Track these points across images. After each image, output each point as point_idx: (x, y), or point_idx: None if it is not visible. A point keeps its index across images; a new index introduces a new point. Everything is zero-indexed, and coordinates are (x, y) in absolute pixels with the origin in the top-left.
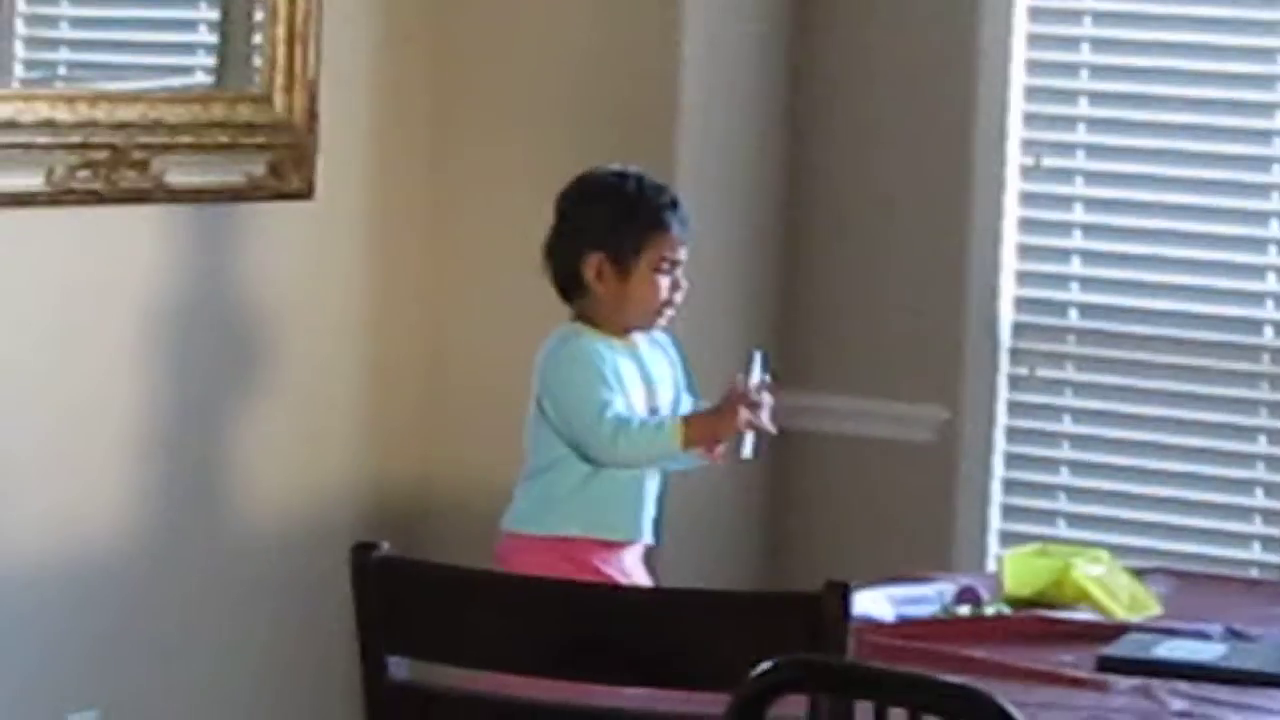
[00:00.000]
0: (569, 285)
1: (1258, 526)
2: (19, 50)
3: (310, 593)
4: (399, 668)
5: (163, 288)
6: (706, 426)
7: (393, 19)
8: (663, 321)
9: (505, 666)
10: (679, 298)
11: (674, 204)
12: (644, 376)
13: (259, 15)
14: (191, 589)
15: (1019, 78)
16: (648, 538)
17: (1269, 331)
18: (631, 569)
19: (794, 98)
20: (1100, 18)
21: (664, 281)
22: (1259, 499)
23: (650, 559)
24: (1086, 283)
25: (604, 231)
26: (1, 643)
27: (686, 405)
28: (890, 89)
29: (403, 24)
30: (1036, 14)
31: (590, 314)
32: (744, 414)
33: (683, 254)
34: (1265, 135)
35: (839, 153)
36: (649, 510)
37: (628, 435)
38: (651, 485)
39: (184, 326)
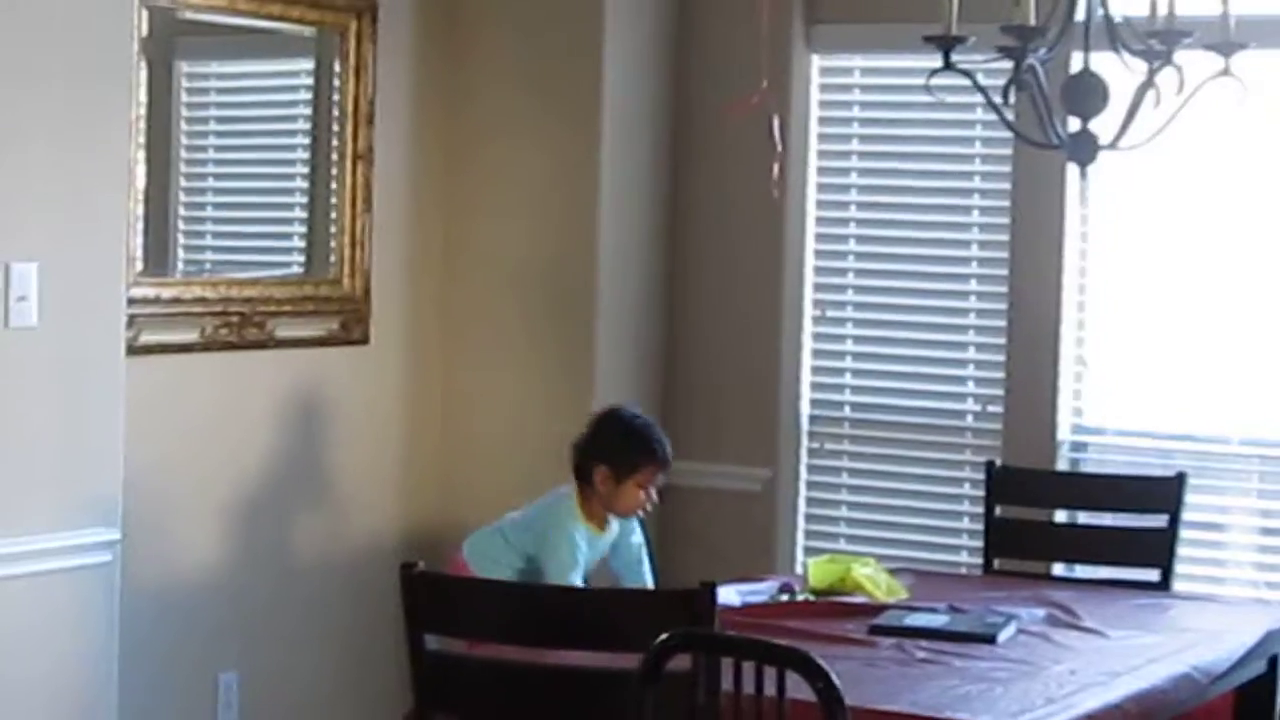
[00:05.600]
0: (580, 474)
1: (965, 541)
2: (180, 252)
3: (374, 595)
4: (432, 642)
5: (276, 402)
6: None
7: (416, 233)
8: (637, 514)
9: (499, 639)
10: (649, 506)
11: (663, 446)
12: (598, 555)
13: (333, 229)
14: (305, 592)
15: (810, 259)
16: None
17: (969, 417)
18: None
19: (671, 278)
20: (862, 222)
21: (643, 495)
22: (965, 523)
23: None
24: (855, 389)
25: (612, 452)
26: (170, 621)
27: (646, 573)
28: (722, 270)
29: (424, 233)
30: (821, 220)
31: (588, 495)
32: None
33: (661, 479)
34: (962, 294)
35: (701, 302)
36: None
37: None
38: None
39: (290, 426)
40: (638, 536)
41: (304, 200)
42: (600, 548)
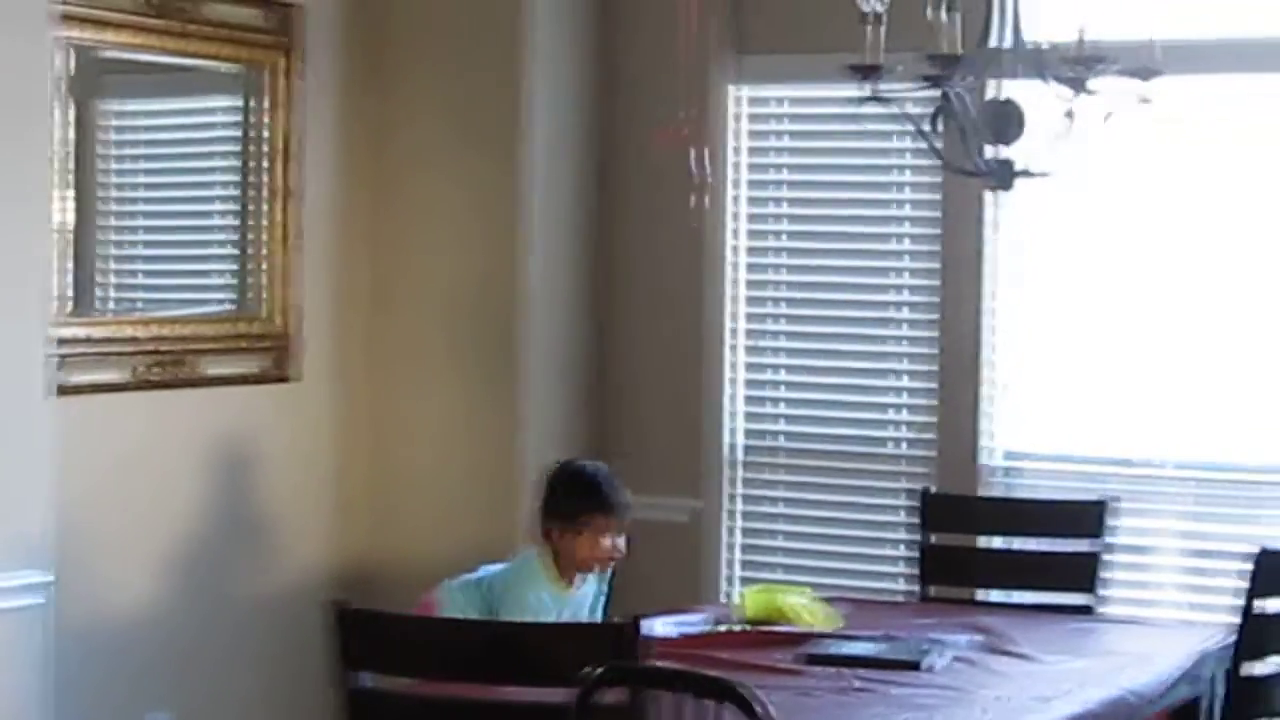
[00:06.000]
0: (542, 532)
1: (899, 568)
2: (110, 291)
3: (305, 632)
4: (361, 679)
5: (207, 440)
6: None
7: (343, 269)
8: (604, 570)
9: (429, 676)
10: (615, 557)
11: (613, 495)
12: (573, 612)
13: (261, 266)
14: (236, 629)
15: (741, 289)
16: None
17: (901, 445)
18: None
19: (598, 309)
20: (791, 252)
21: (600, 546)
22: (899, 551)
23: None
24: (787, 419)
25: (558, 505)
26: (102, 661)
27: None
28: (648, 301)
29: (351, 273)
30: (750, 250)
31: (549, 555)
32: None
33: (616, 528)
34: (893, 322)
35: (628, 333)
36: None
37: None
38: None
39: (221, 463)
40: (591, 587)
41: (232, 238)
42: (574, 605)
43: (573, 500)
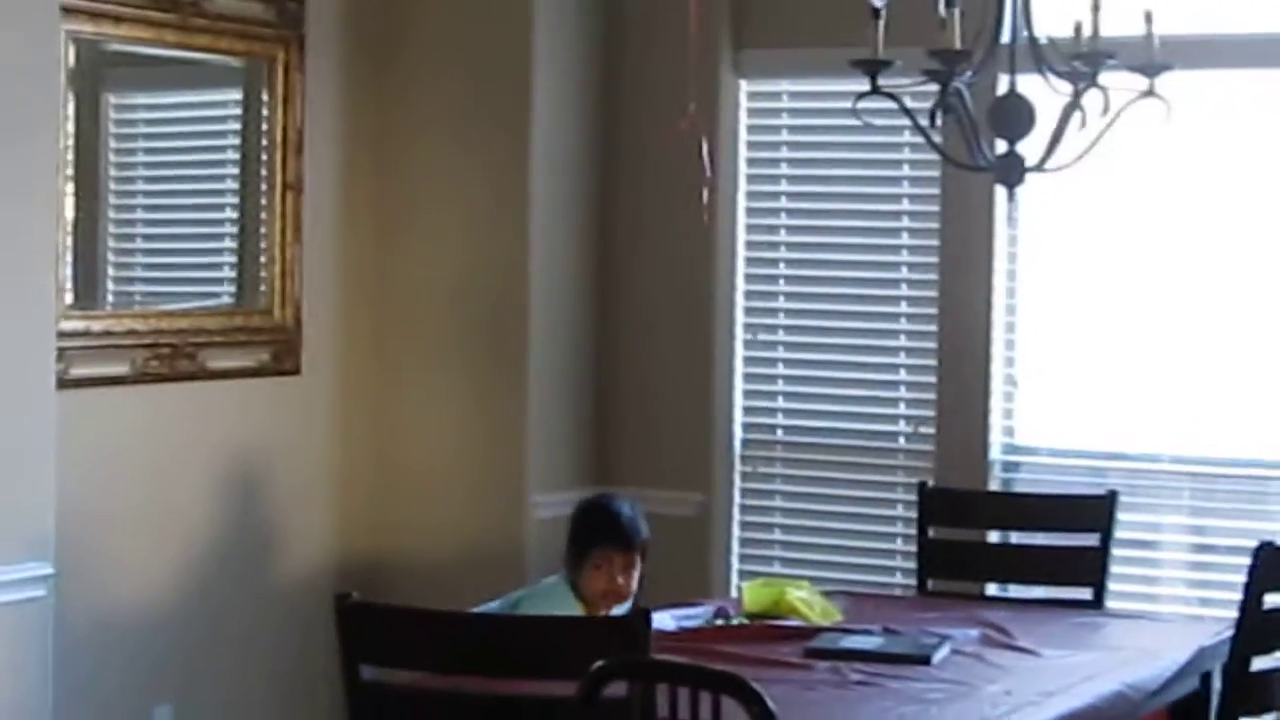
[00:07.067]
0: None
1: (900, 562)
2: (110, 285)
3: (309, 625)
4: (366, 672)
5: (208, 433)
6: None
7: (346, 262)
8: (611, 606)
9: (434, 669)
10: (622, 595)
11: (619, 526)
12: None
13: (263, 259)
14: (239, 622)
15: (741, 283)
16: None
17: (901, 439)
18: None
19: (603, 304)
20: (792, 246)
21: (606, 579)
22: (899, 545)
23: None
24: (787, 413)
25: (572, 534)
26: (104, 654)
27: None
28: (653, 295)
29: (354, 266)
30: (751, 245)
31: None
32: None
33: (623, 564)
34: (893, 316)
35: (633, 328)
36: None
37: None
38: None
39: (221, 456)
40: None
41: (234, 231)
42: None
43: (585, 530)
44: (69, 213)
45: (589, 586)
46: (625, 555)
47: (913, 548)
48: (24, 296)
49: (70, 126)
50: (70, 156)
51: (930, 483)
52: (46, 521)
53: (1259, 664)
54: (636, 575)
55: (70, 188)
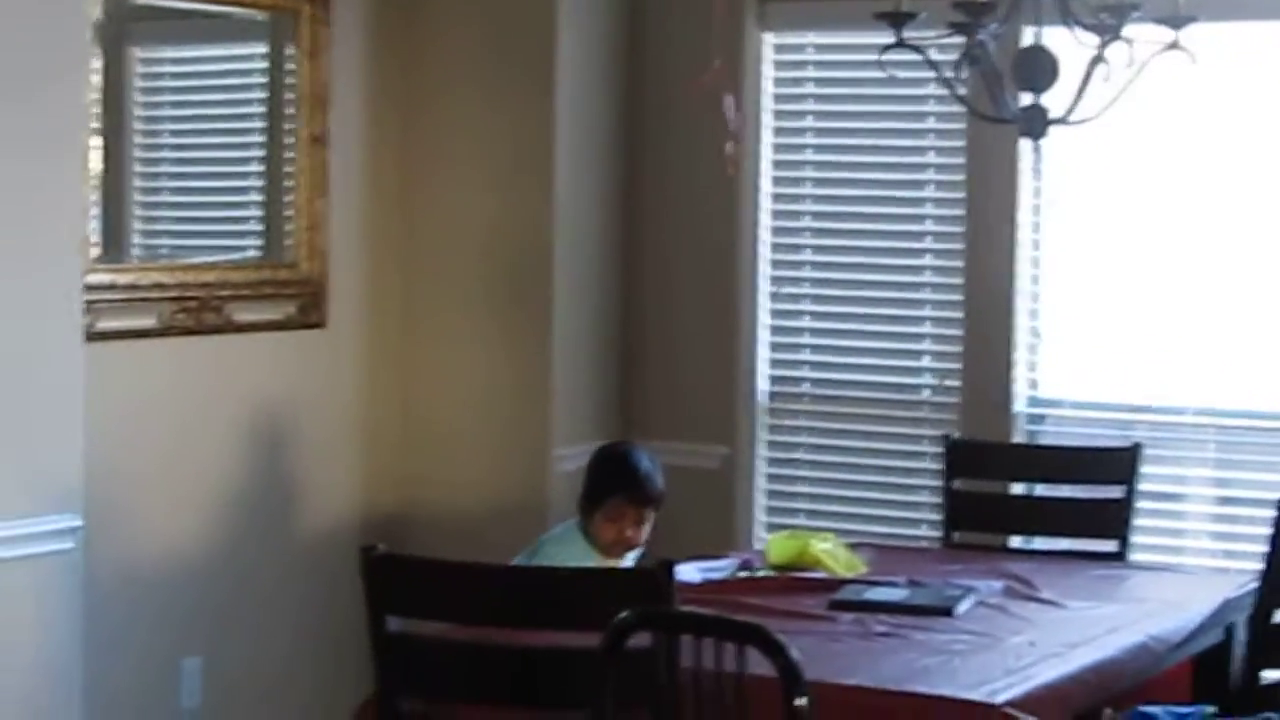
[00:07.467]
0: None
1: (925, 514)
2: (137, 238)
3: (336, 578)
4: (392, 623)
5: (235, 386)
6: None
7: (372, 215)
8: (620, 556)
9: (459, 621)
10: (631, 544)
11: (636, 477)
12: None
13: (289, 212)
14: (267, 575)
15: (766, 236)
16: None
17: (926, 391)
18: None
19: (628, 257)
20: (817, 199)
21: (617, 530)
22: (924, 497)
23: None
24: (813, 365)
25: (586, 483)
26: (132, 606)
27: None
28: (678, 247)
29: (380, 219)
30: (776, 197)
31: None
32: None
33: (634, 515)
34: (918, 269)
35: (658, 280)
36: None
37: None
38: None
39: (248, 409)
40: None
41: (260, 184)
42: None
43: (598, 479)
44: (95, 166)
45: (600, 535)
46: (639, 510)
47: (937, 500)
48: (51, 250)
49: (96, 80)
50: (97, 110)
51: (955, 435)
52: (74, 474)
53: None
54: (648, 528)
55: (97, 141)
